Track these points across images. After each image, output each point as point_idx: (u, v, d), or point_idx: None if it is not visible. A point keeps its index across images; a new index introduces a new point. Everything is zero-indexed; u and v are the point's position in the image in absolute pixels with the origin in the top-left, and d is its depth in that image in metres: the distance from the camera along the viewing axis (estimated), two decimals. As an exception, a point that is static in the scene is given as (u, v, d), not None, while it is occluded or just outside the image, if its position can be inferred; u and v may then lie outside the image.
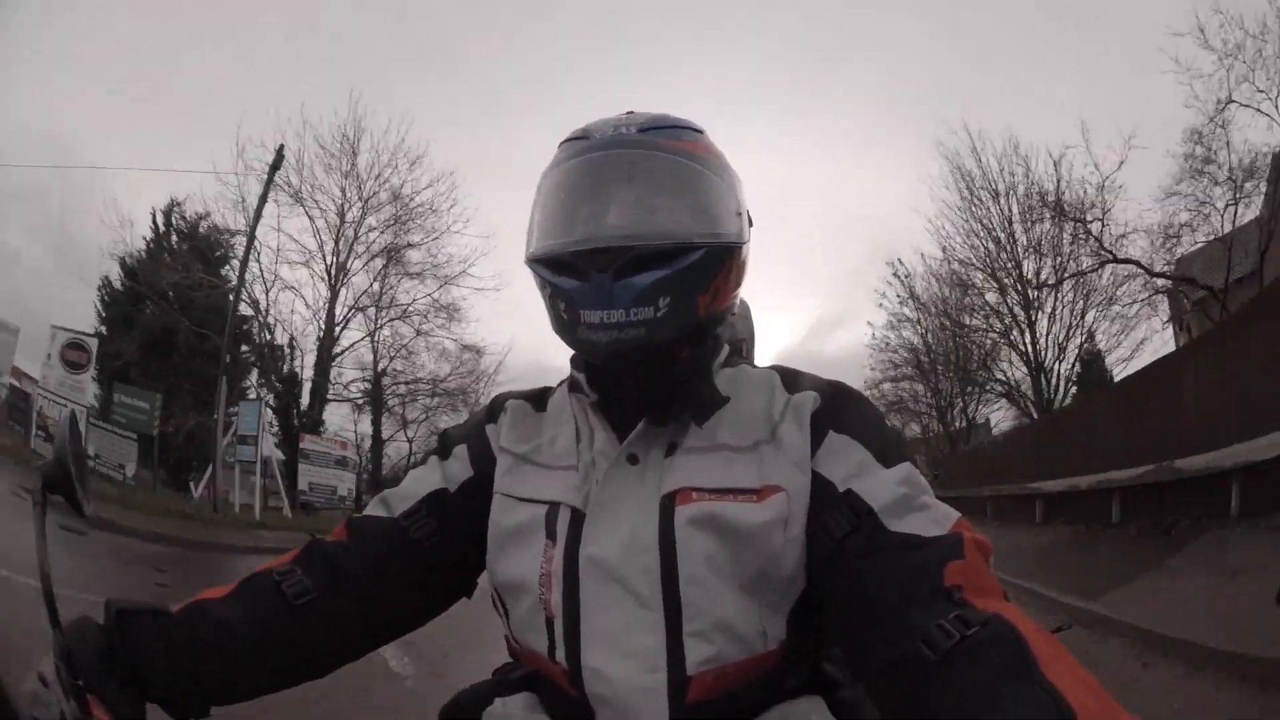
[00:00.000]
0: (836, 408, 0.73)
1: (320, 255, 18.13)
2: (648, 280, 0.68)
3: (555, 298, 0.72)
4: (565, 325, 0.72)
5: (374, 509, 0.82)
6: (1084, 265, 15.66)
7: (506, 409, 0.84)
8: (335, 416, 19.53)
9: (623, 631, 0.66)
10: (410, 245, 18.65)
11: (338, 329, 18.41)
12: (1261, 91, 11.80)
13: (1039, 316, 17.27)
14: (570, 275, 0.70)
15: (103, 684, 0.62)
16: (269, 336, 18.27)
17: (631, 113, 0.78)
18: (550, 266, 0.72)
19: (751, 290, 0.94)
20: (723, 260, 0.74)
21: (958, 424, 23.35)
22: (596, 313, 0.68)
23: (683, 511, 0.68)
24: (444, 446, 0.85)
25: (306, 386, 18.35)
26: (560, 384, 0.86)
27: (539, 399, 0.86)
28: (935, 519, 0.64)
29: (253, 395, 17.30)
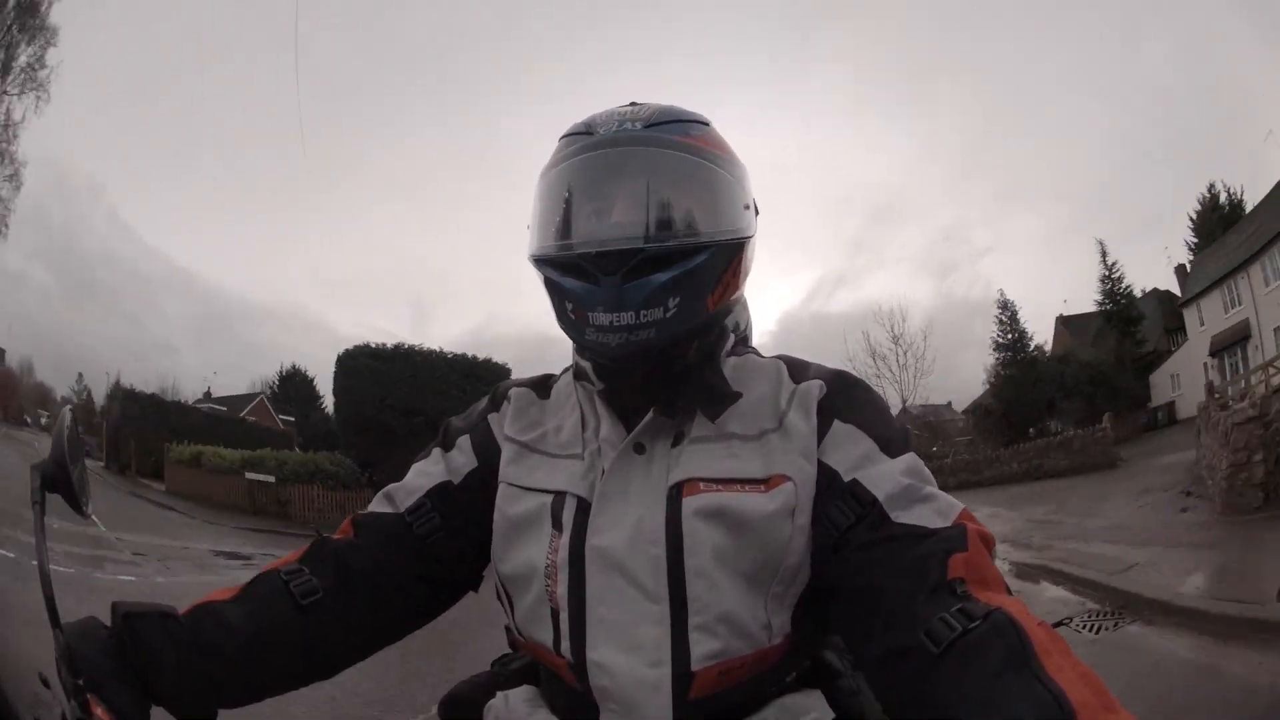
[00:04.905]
0: (842, 397, 0.73)
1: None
2: (657, 282, 0.68)
3: (562, 298, 0.71)
4: (573, 325, 0.72)
5: (378, 505, 0.81)
6: None
7: (510, 397, 0.84)
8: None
9: (628, 624, 0.66)
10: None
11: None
12: None
13: None
14: (577, 276, 0.70)
15: (106, 685, 0.61)
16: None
17: (635, 104, 0.77)
18: (556, 266, 0.71)
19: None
20: (731, 256, 0.73)
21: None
22: (606, 315, 0.68)
23: (690, 502, 0.68)
24: (447, 437, 0.84)
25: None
26: (564, 371, 0.86)
27: (542, 385, 0.85)
28: (939, 510, 0.64)
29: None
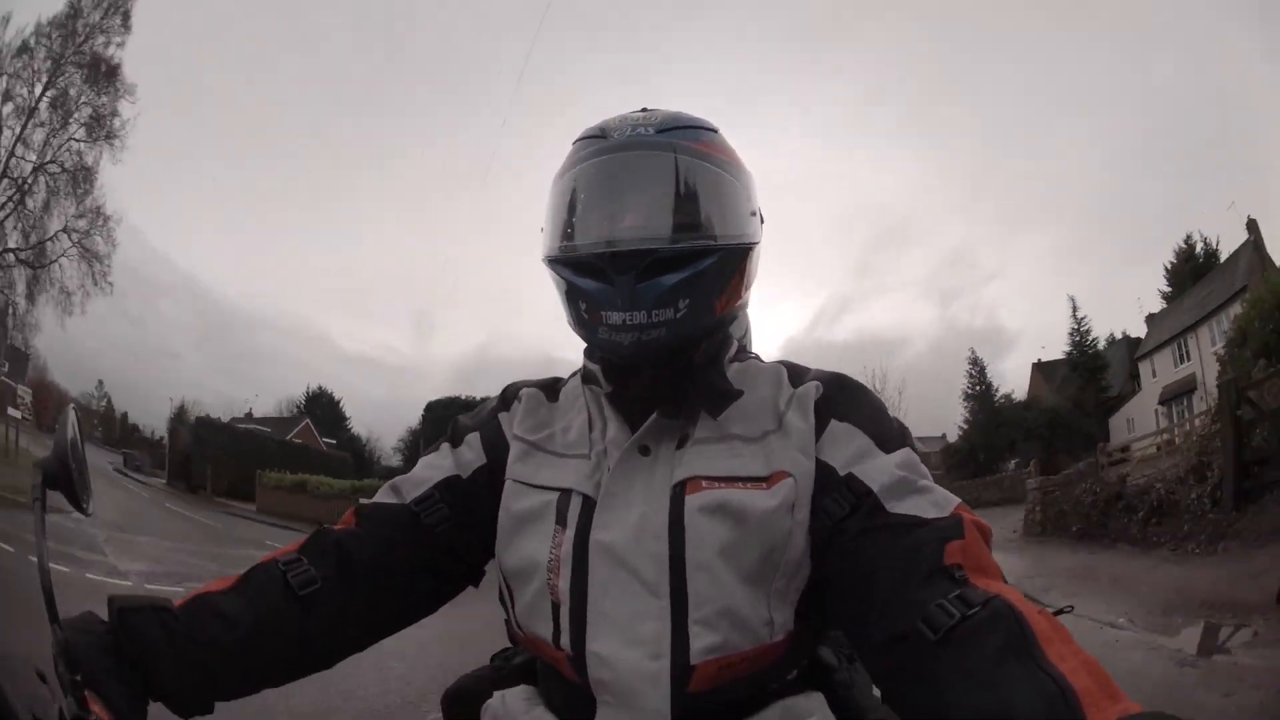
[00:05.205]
0: (838, 397, 0.75)
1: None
2: (669, 283, 0.70)
3: (576, 298, 0.74)
4: (586, 324, 0.74)
5: (384, 496, 0.81)
6: None
7: (520, 397, 0.85)
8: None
9: (629, 618, 0.67)
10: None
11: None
12: None
13: None
14: (591, 276, 0.72)
15: (103, 681, 0.61)
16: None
17: (646, 109, 0.79)
18: (570, 267, 0.74)
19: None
20: (738, 261, 0.76)
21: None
22: (619, 314, 0.70)
23: (693, 500, 0.69)
24: (456, 434, 0.85)
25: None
26: (572, 375, 0.87)
27: (551, 388, 0.87)
28: (935, 501, 0.66)
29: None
